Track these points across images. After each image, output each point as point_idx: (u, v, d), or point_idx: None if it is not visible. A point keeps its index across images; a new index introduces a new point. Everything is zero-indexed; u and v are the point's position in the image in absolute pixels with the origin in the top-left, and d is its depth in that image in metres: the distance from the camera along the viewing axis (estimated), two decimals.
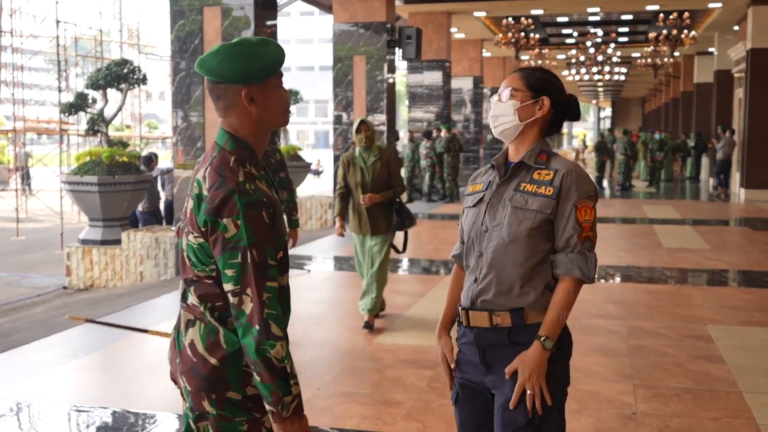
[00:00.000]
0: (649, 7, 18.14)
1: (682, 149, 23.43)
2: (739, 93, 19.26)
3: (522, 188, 2.29)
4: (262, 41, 2.03)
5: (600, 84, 42.19)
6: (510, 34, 19.87)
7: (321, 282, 8.00)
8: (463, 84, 22.16)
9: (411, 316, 6.38)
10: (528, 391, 2.20)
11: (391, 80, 13.94)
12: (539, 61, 25.09)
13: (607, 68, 26.97)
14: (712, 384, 4.62)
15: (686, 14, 18.89)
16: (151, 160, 12.00)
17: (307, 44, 72.58)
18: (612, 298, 6.95)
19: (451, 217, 13.78)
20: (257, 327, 1.89)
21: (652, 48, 23.58)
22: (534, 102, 2.33)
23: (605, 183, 21.33)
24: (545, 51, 24.84)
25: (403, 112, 45.80)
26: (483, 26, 20.46)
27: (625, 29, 23.92)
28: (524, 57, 25.76)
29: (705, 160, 23.11)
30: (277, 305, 1.93)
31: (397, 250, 6.15)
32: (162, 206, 12.05)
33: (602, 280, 7.92)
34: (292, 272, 8.27)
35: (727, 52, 20.06)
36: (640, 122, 53.52)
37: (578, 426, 4.02)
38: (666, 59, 24.59)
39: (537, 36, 21.57)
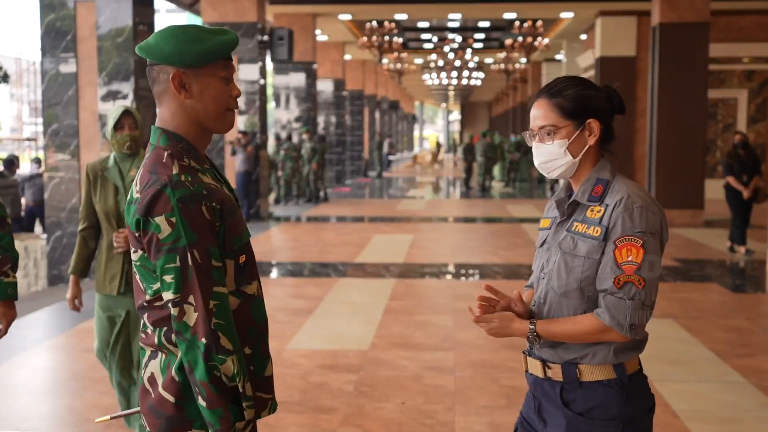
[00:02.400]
0: (507, 15, 18.88)
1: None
2: None
3: (574, 228, 2.00)
4: (218, 29, 1.81)
5: (450, 88, 43.46)
6: (374, 38, 20.08)
7: None
8: (325, 86, 22.16)
9: (317, 321, 6.32)
10: (485, 327, 2.03)
11: (262, 82, 13.74)
12: (398, 65, 25.53)
13: (465, 73, 27.82)
14: None
15: (539, 23, 19.81)
16: (13, 162, 11.17)
17: None
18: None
19: (329, 219, 13.77)
20: (204, 340, 1.66)
21: (505, 54, 24.59)
22: (581, 131, 2.01)
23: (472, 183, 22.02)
24: (404, 55, 25.29)
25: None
26: (346, 29, 20.56)
27: (481, 36, 24.78)
28: (383, 60, 26.10)
29: None
30: (228, 314, 1.70)
31: None
32: (25, 213, 11.28)
33: (487, 279, 8.17)
34: None
35: (576, 60, 21.24)
36: (487, 125, 55.59)
37: (512, 420, 4.13)
38: (518, 65, 25.68)
39: (399, 40, 21.92)
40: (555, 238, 2.06)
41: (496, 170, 24.04)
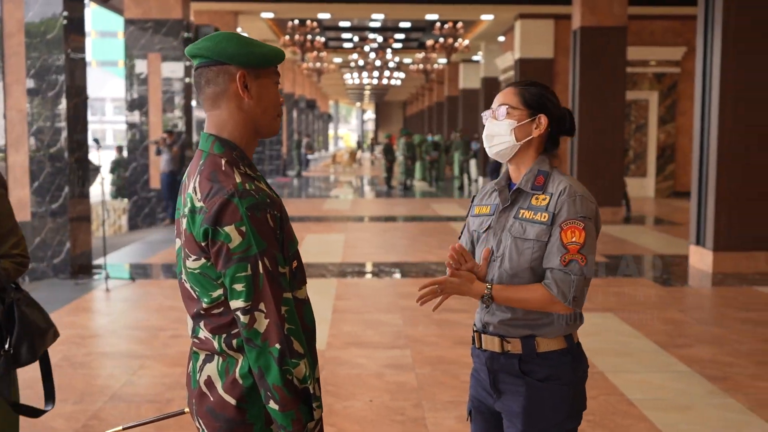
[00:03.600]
0: (429, 17, 19.13)
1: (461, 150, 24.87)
2: None
3: (521, 215, 2.21)
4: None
5: (367, 87, 43.65)
6: (296, 37, 20.00)
7: (143, 292, 7.63)
8: None
9: None
10: (437, 289, 2.18)
11: (188, 80, 13.52)
12: (318, 64, 25.50)
13: (386, 73, 28.00)
14: None
15: (460, 24, 20.16)
16: None
17: (107, 38, 67.97)
18: None
19: None
20: (278, 345, 1.69)
21: (424, 54, 24.91)
22: (531, 120, 2.23)
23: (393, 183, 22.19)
24: (323, 54, 25.29)
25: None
26: (267, 27, 20.42)
27: (401, 36, 25.01)
28: (304, 59, 26.03)
29: (473, 161, 24.77)
30: (296, 318, 1.74)
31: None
32: None
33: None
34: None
35: (495, 61, 21.71)
36: (402, 125, 56.07)
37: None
38: (436, 65, 26.02)
39: (321, 39, 21.91)
40: (500, 223, 2.25)
41: (417, 169, 24.31)
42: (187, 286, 1.83)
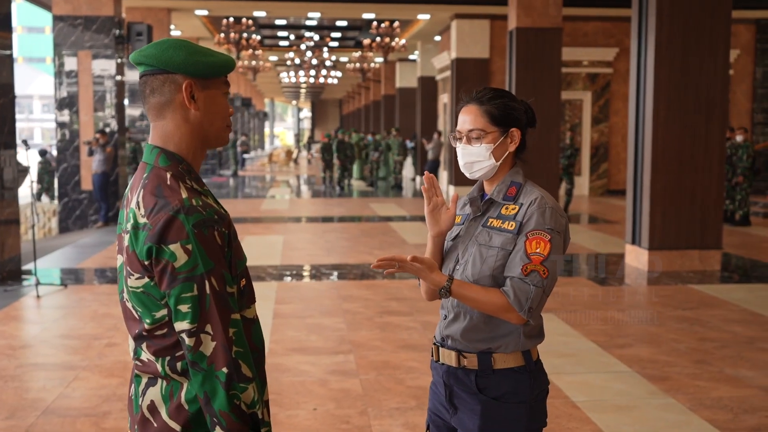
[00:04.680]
0: (366, 15, 19.08)
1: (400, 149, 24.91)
2: (444, 98, 21.03)
3: (489, 224, 2.20)
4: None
5: (303, 85, 43.39)
6: (231, 35, 19.72)
7: (75, 297, 7.39)
8: None
9: None
10: (395, 265, 2.09)
11: (119, 78, 13.18)
12: (253, 63, 25.21)
13: (323, 72, 27.85)
14: None
15: (396, 23, 20.17)
16: None
17: (34, 33, 65.73)
18: (394, 296, 7.29)
19: None
20: (225, 369, 1.61)
21: (360, 53, 24.85)
22: (505, 138, 2.22)
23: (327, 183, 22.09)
24: (259, 52, 25.01)
25: None
26: (201, 25, 20.07)
27: (338, 35, 24.90)
28: (239, 57, 25.69)
29: (409, 159, 24.85)
30: (245, 341, 1.66)
31: None
32: None
33: (386, 279, 8.26)
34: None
35: (431, 61, 21.79)
36: (338, 123, 55.92)
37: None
38: (373, 64, 26.00)
39: (257, 37, 21.64)
40: (469, 232, 2.24)
41: (355, 169, 24.24)
42: (129, 305, 1.74)
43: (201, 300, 1.62)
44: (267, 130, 66.86)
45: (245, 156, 31.55)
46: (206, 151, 1.83)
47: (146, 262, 1.65)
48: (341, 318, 6.49)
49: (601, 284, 7.97)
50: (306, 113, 71.01)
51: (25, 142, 7.99)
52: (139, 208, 1.68)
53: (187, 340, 1.63)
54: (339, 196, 19.11)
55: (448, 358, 2.21)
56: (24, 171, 14.14)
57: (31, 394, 4.69)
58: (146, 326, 1.71)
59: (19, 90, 65.39)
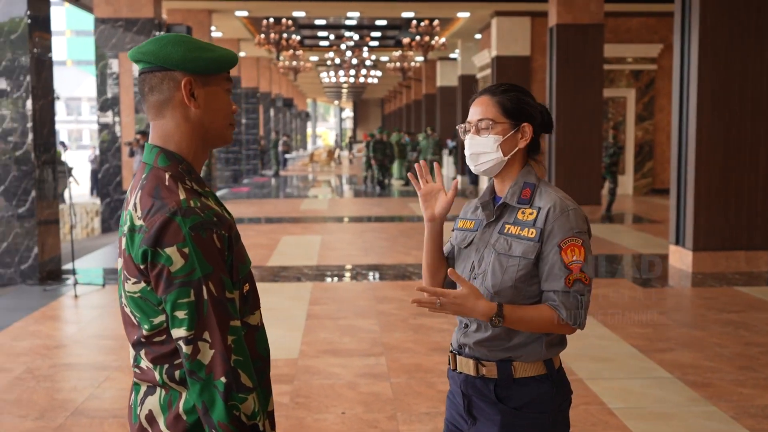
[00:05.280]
0: (405, 14, 18.99)
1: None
2: None
3: (506, 231, 2.07)
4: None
5: (345, 85, 43.47)
6: (271, 35, 19.79)
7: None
8: None
9: None
10: (437, 302, 1.97)
11: None
12: (294, 63, 25.28)
13: (363, 71, 27.83)
14: None
15: (436, 22, 20.03)
16: None
17: (56, 36, 67.21)
18: None
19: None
20: (223, 379, 1.54)
21: (400, 53, 24.76)
22: (515, 132, 2.10)
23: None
24: (299, 53, 25.08)
25: None
26: (242, 26, 20.18)
27: (378, 34, 24.85)
28: (280, 58, 25.82)
29: (450, 159, 24.68)
30: (245, 349, 1.59)
31: None
32: None
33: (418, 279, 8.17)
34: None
35: (472, 59, 21.61)
36: (380, 123, 55.92)
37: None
38: (413, 63, 25.89)
39: (297, 38, 21.70)
40: (484, 239, 2.11)
41: (395, 168, 24.17)
42: (127, 311, 1.68)
43: (198, 306, 1.56)
44: (309, 130, 67.17)
45: (287, 156, 31.69)
46: (209, 151, 1.76)
47: (142, 266, 1.59)
48: (375, 319, 6.41)
49: (642, 286, 7.76)
50: (348, 113, 71.16)
51: (63, 143, 8.07)
52: (136, 210, 1.62)
53: (184, 348, 1.57)
54: (378, 195, 19.05)
55: (466, 366, 2.11)
56: (68, 172, 14.35)
57: (61, 395, 4.70)
58: (144, 333, 1.65)
59: (67, 92, 66.77)
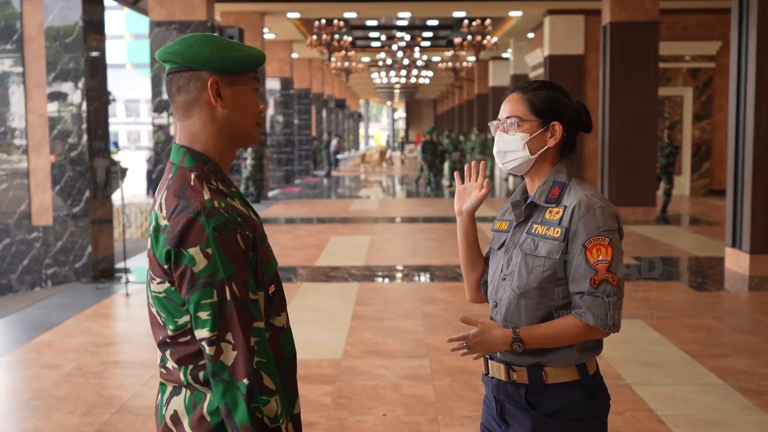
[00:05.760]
0: (457, 14, 18.90)
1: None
2: None
3: (534, 230, 2.04)
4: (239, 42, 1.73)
5: (397, 86, 43.48)
6: (323, 36, 19.89)
7: None
8: (272, 85, 21.89)
9: None
10: (462, 350, 2.00)
11: None
12: (345, 64, 25.37)
13: (414, 71, 27.80)
14: None
15: (488, 21, 19.88)
16: None
17: (116, 40, 68.80)
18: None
19: (280, 221, 13.56)
20: (246, 381, 1.53)
21: (452, 53, 24.65)
22: (544, 130, 2.04)
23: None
24: (351, 53, 25.15)
25: None
26: (294, 27, 20.32)
27: (429, 34, 24.78)
28: (331, 59, 25.95)
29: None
30: (268, 351, 1.58)
31: None
32: None
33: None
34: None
35: (524, 58, 21.39)
36: (432, 123, 55.79)
37: None
38: (465, 63, 25.75)
39: (348, 39, 21.77)
40: (513, 240, 2.08)
41: (445, 168, 24.07)
42: (153, 311, 1.68)
43: (221, 307, 1.55)
44: (362, 131, 67.39)
45: (338, 156, 31.83)
46: (236, 151, 1.75)
47: (166, 266, 1.59)
48: (420, 321, 6.37)
49: (697, 289, 7.56)
50: (400, 113, 71.18)
51: (116, 144, 8.22)
52: (161, 210, 1.62)
53: (207, 349, 1.56)
54: (429, 196, 18.98)
55: (497, 371, 2.08)
56: (123, 172, 14.63)
57: (108, 392, 4.77)
58: (169, 333, 1.65)
59: (127, 94, 68.21)
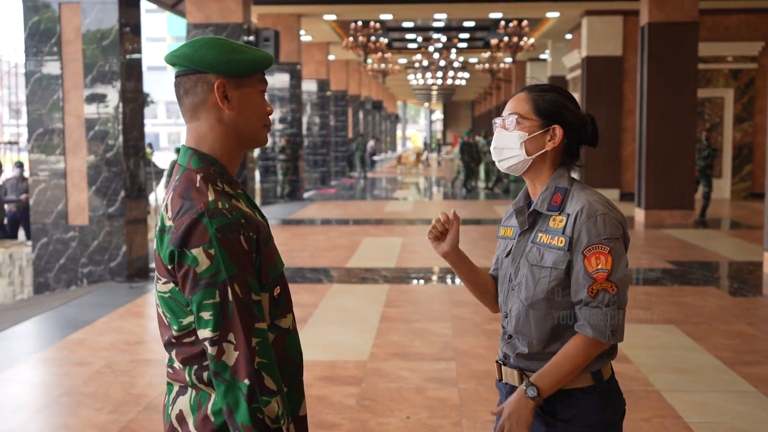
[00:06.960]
0: (493, 15, 18.81)
1: None
2: (575, 97, 20.41)
3: (539, 240, 2.00)
4: (246, 44, 1.76)
5: (434, 87, 43.41)
6: (359, 38, 19.95)
7: None
8: (308, 87, 22.01)
9: (313, 330, 6.18)
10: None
11: None
12: (382, 65, 25.40)
13: (450, 73, 27.74)
14: (628, 384, 4.76)
15: (525, 22, 19.76)
16: None
17: (157, 42, 69.80)
18: None
19: (310, 222, 13.62)
20: (247, 381, 1.54)
21: (489, 54, 24.54)
22: (544, 132, 2.00)
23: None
24: (387, 55, 25.18)
25: None
26: (330, 29, 20.41)
27: (466, 35, 24.70)
28: (368, 60, 26.01)
29: None
30: (270, 352, 1.59)
31: None
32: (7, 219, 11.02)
33: None
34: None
35: (561, 59, 21.22)
36: (470, 125, 55.58)
37: None
38: (502, 65, 25.62)
39: (385, 40, 21.80)
40: (519, 248, 2.05)
41: (481, 170, 23.95)
42: (160, 311, 1.71)
43: (223, 307, 1.57)
44: (399, 133, 67.40)
45: (375, 158, 31.87)
46: (244, 152, 1.77)
47: (169, 267, 1.61)
48: (449, 323, 6.34)
49: (732, 295, 7.41)
50: (438, 115, 71.05)
51: (150, 145, 8.32)
52: (167, 211, 1.65)
53: (209, 349, 1.58)
54: (464, 198, 18.91)
55: (511, 377, 2.07)
56: (159, 173, 14.80)
57: (136, 390, 4.83)
58: (174, 333, 1.67)
59: (167, 96, 69.08)
